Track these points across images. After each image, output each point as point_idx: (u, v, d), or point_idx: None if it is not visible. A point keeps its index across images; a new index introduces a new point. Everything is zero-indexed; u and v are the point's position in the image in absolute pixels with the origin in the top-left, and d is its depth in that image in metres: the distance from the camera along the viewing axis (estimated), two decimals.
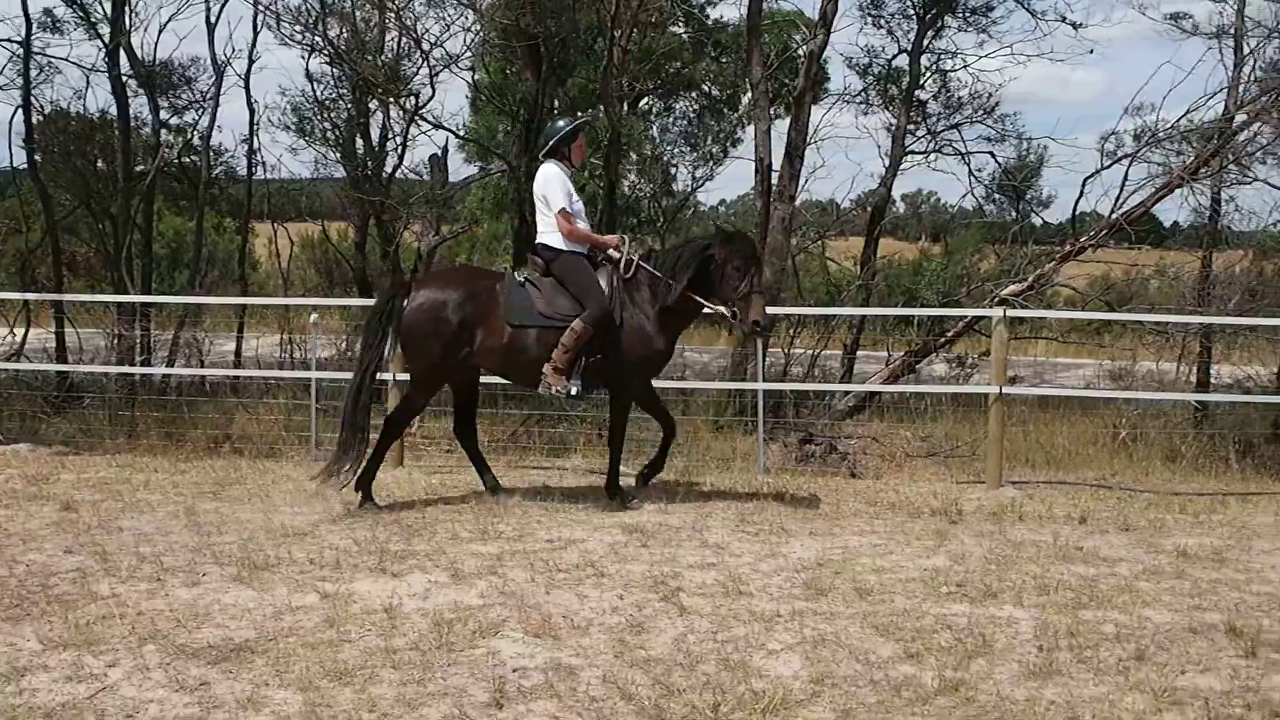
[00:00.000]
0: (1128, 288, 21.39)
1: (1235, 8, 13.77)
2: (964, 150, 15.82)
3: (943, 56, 16.19)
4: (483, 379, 8.18)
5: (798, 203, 14.40)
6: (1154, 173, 12.42)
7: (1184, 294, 13.34)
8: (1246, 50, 13.35)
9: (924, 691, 4.53)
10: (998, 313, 8.87)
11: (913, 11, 16.19)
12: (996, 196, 18.38)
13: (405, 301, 7.39)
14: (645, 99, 21.98)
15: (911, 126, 15.82)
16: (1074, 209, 12.85)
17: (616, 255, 7.51)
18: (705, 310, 7.53)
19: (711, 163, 22.59)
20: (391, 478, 8.69)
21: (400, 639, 4.96)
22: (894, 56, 16.68)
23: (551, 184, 7.53)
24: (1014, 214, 17.67)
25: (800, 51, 15.08)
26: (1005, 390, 8.84)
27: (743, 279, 7.26)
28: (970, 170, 15.78)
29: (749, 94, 16.64)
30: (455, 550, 6.39)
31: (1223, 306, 12.22)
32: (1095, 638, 5.15)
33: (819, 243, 16.82)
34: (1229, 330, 12.22)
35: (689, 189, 23.10)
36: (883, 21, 16.62)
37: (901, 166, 15.39)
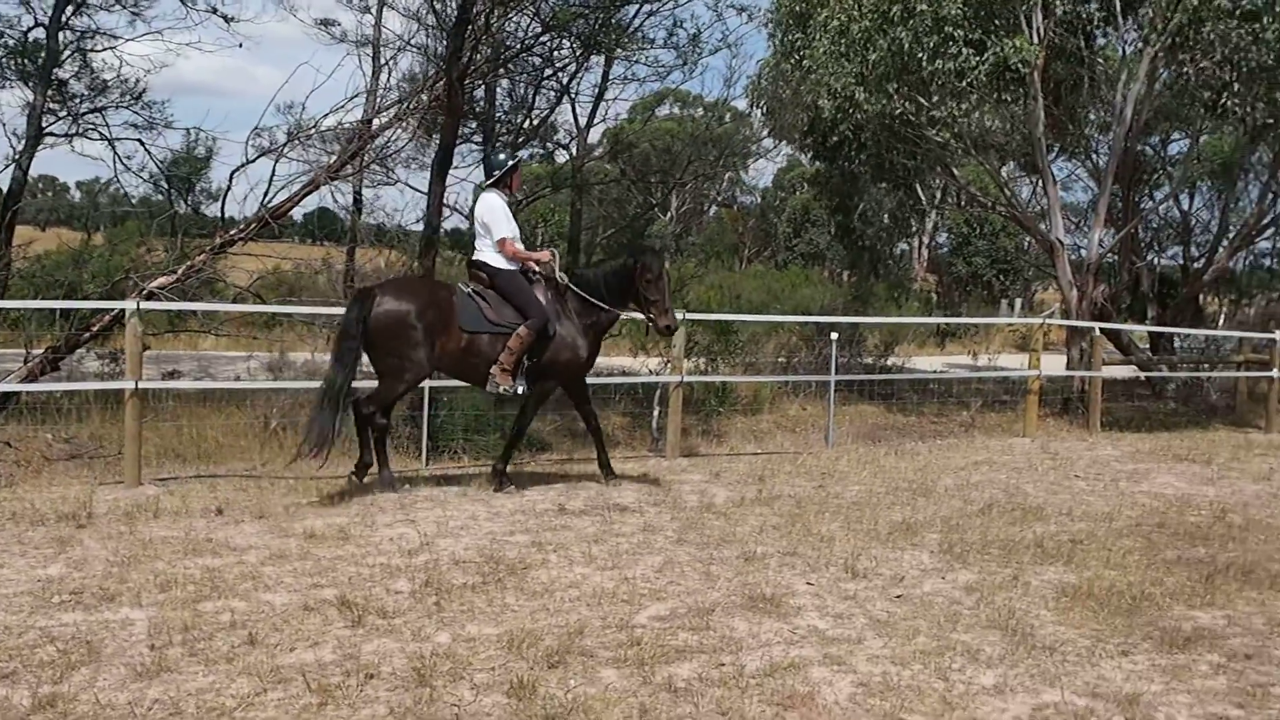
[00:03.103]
0: (298, 280, 21.95)
1: (374, 19, 14.70)
2: (110, 136, 15.06)
3: (86, 35, 15.23)
4: None
5: None
6: (302, 170, 12.79)
7: (335, 285, 13.92)
8: (384, 60, 14.33)
9: (17, 712, 4.19)
10: (130, 305, 8.56)
11: None
12: (164, 186, 17.78)
13: (373, 307, 7.96)
14: None
15: (55, 106, 14.74)
16: (223, 201, 12.81)
17: (548, 271, 8.63)
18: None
19: None
20: None
21: None
22: (31, 29, 15.37)
23: (496, 213, 8.53)
24: (184, 204, 17.22)
25: None
26: (142, 385, 8.57)
27: (656, 290, 8.59)
28: (118, 156, 15.07)
29: None
30: None
31: None
32: (212, 628, 5.14)
33: None
34: None
35: None
36: None
37: (41, 148, 14.23)
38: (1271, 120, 14.47)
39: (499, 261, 8.53)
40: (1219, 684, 4.96)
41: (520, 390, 8.44)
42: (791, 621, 5.58)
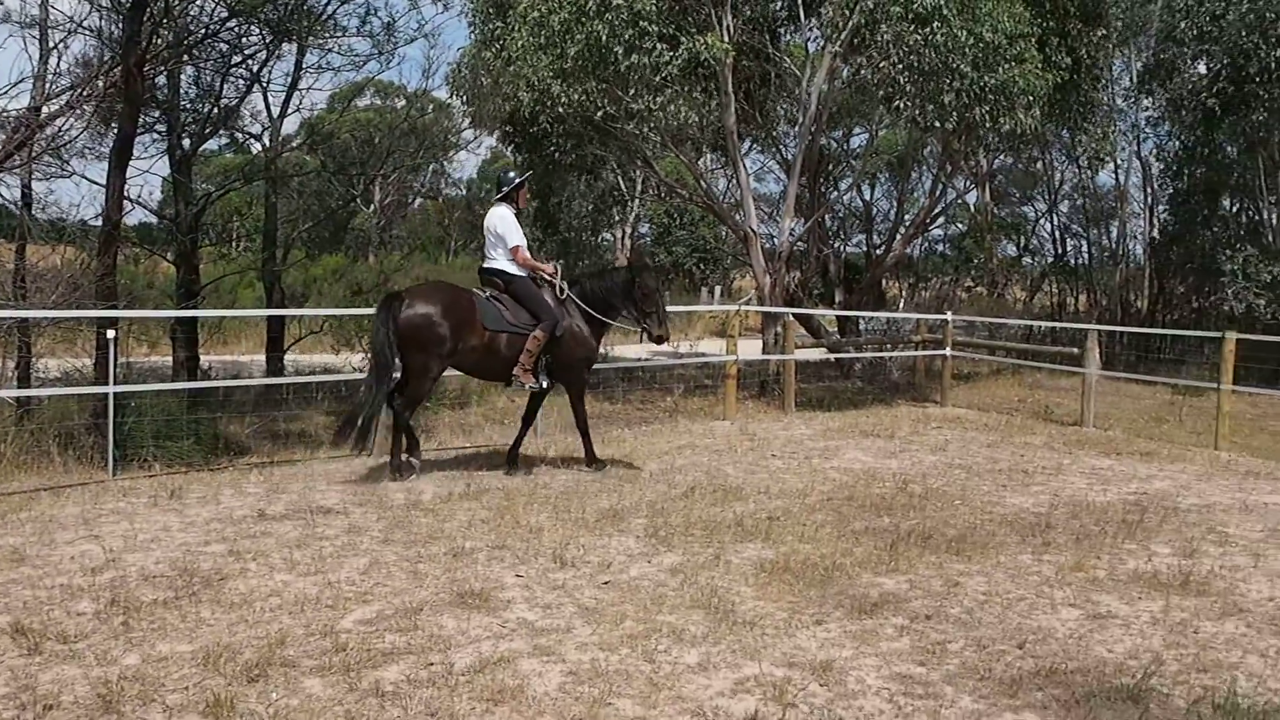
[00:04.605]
0: None
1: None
2: None
3: None
4: None
5: None
6: None
7: (3, 286, 12.85)
8: (54, 43, 13.29)
9: None
10: None
11: None
12: None
13: (401, 310, 8.62)
14: None
15: None
16: None
17: (554, 281, 9.38)
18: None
19: None
20: None
21: None
22: None
23: (509, 224, 9.30)
24: None
25: None
26: None
27: (652, 303, 9.48)
28: None
29: None
30: None
31: (44, 299, 12.00)
32: None
33: None
34: (50, 324, 12.07)
35: None
36: None
37: None
38: (939, 121, 15.49)
39: (512, 269, 9.30)
40: (903, 645, 5.29)
41: (544, 385, 9.34)
42: (501, 615, 5.57)
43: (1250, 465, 11.02)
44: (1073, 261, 30.75)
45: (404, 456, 9.13)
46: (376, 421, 8.89)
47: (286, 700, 4.47)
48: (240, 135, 18.71)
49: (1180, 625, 5.71)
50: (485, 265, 9.53)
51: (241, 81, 15.89)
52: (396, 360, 8.76)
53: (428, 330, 8.68)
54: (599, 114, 16.01)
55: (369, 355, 9.05)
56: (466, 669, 4.83)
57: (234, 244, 29.40)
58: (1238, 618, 5.87)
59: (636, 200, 38.18)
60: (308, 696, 4.52)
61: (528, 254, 9.42)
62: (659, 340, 9.72)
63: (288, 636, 5.17)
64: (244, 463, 10.12)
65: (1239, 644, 5.46)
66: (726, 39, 15.59)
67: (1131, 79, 25.31)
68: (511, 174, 9.84)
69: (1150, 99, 24.76)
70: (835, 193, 27.70)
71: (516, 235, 9.32)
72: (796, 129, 18.17)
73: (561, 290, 9.42)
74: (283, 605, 5.66)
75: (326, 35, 15.06)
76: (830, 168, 26.37)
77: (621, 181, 29.32)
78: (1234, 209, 24.22)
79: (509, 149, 24.55)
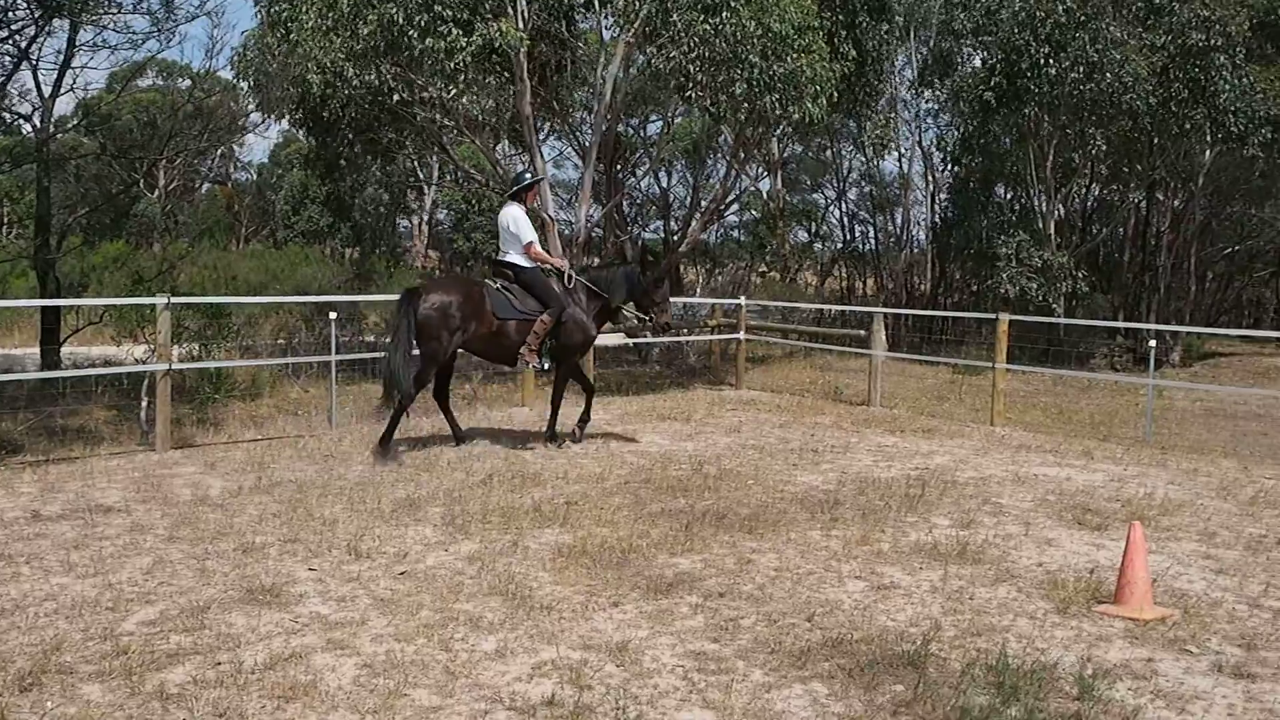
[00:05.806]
0: None
1: None
2: None
3: None
4: None
5: None
6: None
7: None
8: None
9: None
10: None
11: None
12: None
13: (420, 302, 9.45)
14: None
15: None
16: None
17: (562, 270, 10.34)
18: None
19: None
20: None
21: None
22: None
23: (521, 222, 10.12)
24: None
25: None
26: None
27: (659, 294, 10.58)
28: None
29: None
30: None
31: None
32: None
33: None
34: None
35: None
36: None
37: None
38: (730, 110, 15.77)
39: (523, 261, 10.13)
40: (697, 623, 5.41)
41: (546, 366, 10.21)
42: (293, 610, 5.46)
43: (1023, 439, 11.66)
44: (861, 247, 31.90)
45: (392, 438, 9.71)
46: (410, 390, 9.51)
47: (63, 709, 4.28)
48: (8, 115, 17.58)
49: (957, 593, 6.01)
50: (499, 258, 10.38)
51: (8, 59, 14.95)
52: (414, 342, 9.48)
53: (444, 319, 9.49)
54: (394, 98, 15.72)
55: (390, 337, 9.87)
56: (257, 667, 4.71)
57: (3, 231, 27.74)
58: (1010, 583, 6.22)
59: (434, 186, 37.75)
60: (86, 703, 4.33)
61: (540, 249, 10.32)
62: (664, 329, 10.95)
63: (64, 642, 4.94)
64: (17, 461, 9.56)
65: (1010, 608, 5.78)
66: (522, 25, 15.50)
67: (914, 71, 26.36)
68: (527, 175, 10.84)
69: (931, 91, 25.83)
70: (632, 179, 27.99)
71: (530, 233, 10.16)
72: (593, 116, 18.25)
73: (570, 278, 10.29)
74: (59, 609, 5.40)
75: (101, 11, 14.28)
76: (627, 154, 26.62)
77: (418, 167, 28.92)
78: (1008, 197, 25.50)
79: (300, 133, 23.93)
